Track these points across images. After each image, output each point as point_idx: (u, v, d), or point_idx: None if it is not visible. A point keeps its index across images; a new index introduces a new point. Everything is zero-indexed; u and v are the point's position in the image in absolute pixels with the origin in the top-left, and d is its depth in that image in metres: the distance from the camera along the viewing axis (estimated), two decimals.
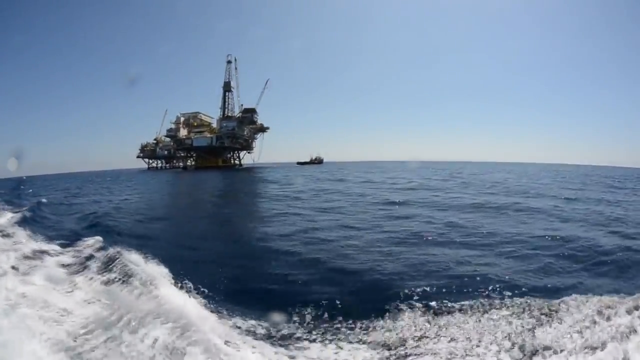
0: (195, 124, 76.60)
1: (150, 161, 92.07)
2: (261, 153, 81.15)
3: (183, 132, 74.94)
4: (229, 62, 77.05)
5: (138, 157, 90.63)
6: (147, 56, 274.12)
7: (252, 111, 72.06)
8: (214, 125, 77.87)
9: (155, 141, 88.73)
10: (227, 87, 77.67)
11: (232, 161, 79.01)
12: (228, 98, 77.88)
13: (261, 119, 76.47)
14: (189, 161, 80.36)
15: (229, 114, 76.20)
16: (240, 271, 6.95)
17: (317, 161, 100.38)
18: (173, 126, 75.67)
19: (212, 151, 72.70)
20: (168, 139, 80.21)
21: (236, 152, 78.65)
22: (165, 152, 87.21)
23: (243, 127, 71.76)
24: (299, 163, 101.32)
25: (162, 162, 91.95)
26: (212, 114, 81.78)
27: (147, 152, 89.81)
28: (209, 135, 73.13)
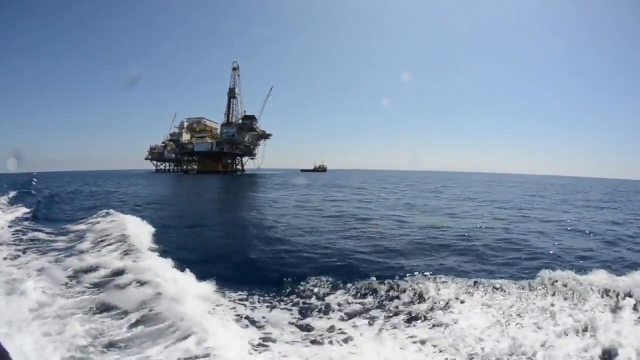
0: (198, 129, 78.34)
1: (159, 163, 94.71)
2: (264, 159, 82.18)
3: (185, 137, 76.91)
4: (234, 68, 78.71)
5: (146, 159, 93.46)
6: (161, 60, 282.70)
7: (251, 118, 72.99)
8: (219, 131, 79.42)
9: (163, 144, 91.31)
10: (231, 94, 78.92)
11: (234, 166, 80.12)
12: (232, 104, 79.28)
13: (266, 125, 77.45)
14: (191, 165, 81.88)
15: (233, 120, 77.56)
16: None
17: (321, 169, 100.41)
18: (177, 130, 77.76)
19: (212, 156, 74.07)
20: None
21: (238, 157, 79.76)
22: (173, 155, 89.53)
23: (243, 134, 72.73)
24: (302, 170, 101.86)
25: (170, 165, 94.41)
26: (220, 120, 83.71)
27: (155, 154, 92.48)
28: (209, 140, 74.63)
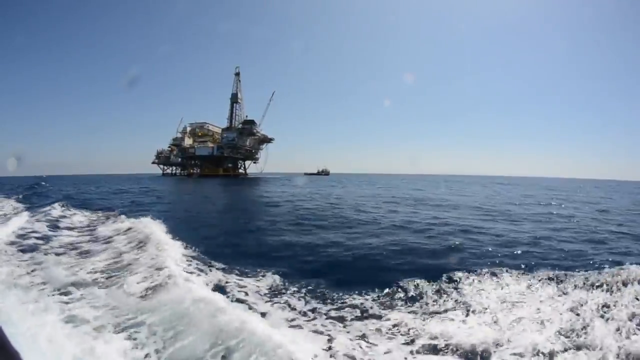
0: (201, 133, 79.67)
1: (165, 167, 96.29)
2: (266, 163, 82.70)
3: (188, 142, 78.22)
4: (237, 74, 79.80)
5: (153, 162, 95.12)
6: (168, 63, 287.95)
7: (251, 123, 73.77)
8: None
9: (170, 149, 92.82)
10: (234, 99, 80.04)
11: (236, 170, 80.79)
12: (235, 109, 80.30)
13: (270, 129, 78.04)
14: (195, 169, 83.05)
15: (236, 125, 78.38)
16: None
17: (324, 173, 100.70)
18: (179, 135, 79.19)
19: (213, 160, 75.08)
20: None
21: (240, 161, 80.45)
22: (179, 160, 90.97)
23: (244, 138, 73.42)
24: (306, 174, 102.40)
25: (177, 169, 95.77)
26: (225, 125, 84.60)
27: (162, 158, 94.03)
28: (210, 145, 75.78)
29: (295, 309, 4.88)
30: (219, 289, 5.48)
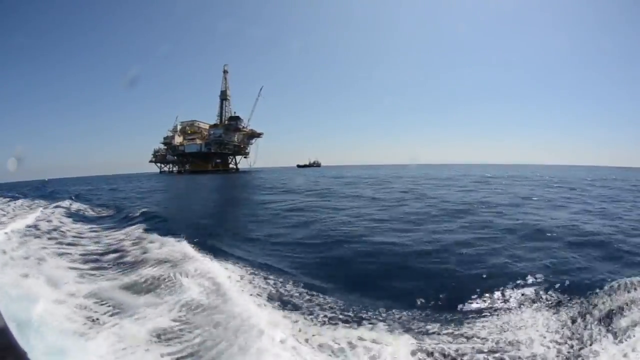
0: (190, 131, 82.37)
1: (162, 165, 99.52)
2: (257, 157, 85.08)
3: (178, 139, 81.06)
4: (225, 71, 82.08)
5: (150, 161, 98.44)
6: (162, 63, 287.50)
7: (236, 119, 76.08)
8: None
9: (165, 147, 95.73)
10: (223, 96, 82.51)
11: (227, 166, 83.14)
12: (224, 106, 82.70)
13: (262, 125, 79.87)
14: (185, 166, 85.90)
15: (225, 121, 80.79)
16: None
17: (316, 164, 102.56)
18: (170, 134, 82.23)
19: (202, 156, 77.82)
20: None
21: (229, 157, 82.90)
22: (175, 158, 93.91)
23: (230, 134, 75.68)
24: (298, 166, 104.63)
25: (173, 166, 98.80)
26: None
27: (158, 157, 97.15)
28: (198, 142, 78.37)
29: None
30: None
